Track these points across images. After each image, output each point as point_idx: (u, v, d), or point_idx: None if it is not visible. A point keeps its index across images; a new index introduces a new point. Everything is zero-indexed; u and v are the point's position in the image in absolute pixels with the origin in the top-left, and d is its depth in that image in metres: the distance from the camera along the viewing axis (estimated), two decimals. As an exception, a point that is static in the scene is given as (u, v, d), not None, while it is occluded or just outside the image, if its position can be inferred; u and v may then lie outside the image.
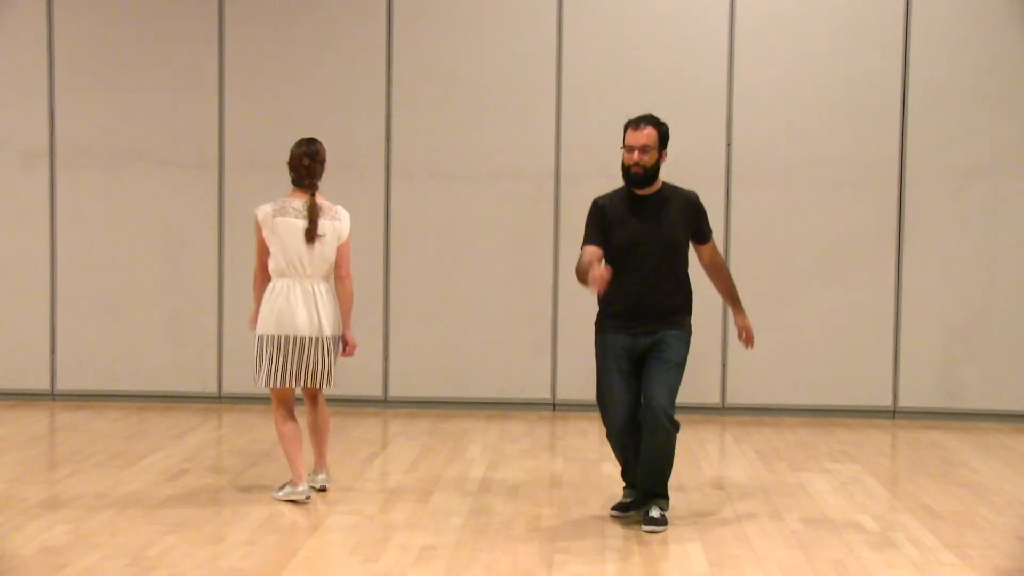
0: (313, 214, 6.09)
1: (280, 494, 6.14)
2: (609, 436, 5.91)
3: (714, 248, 5.98)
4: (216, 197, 8.96)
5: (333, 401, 8.80)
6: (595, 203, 5.85)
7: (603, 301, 5.84)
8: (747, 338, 6.03)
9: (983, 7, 8.66)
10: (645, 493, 5.79)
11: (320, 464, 6.42)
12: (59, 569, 4.95)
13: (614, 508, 5.99)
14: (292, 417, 6.22)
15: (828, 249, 8.78)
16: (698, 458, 7.33)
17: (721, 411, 8.81)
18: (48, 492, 6.28)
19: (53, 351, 9.10)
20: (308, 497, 6.08)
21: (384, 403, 9.01)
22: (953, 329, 8.76)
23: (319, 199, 6.17)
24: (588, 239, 5.78)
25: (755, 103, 8.75)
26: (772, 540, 5.53)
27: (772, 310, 8.80)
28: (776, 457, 7.42)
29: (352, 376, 8.91)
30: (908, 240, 8.73)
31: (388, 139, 8.92)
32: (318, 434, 6.39)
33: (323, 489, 6.33)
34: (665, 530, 5.68)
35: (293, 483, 6.11)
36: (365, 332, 8.90)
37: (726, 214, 8.71)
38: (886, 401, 8.79)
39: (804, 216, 8.77)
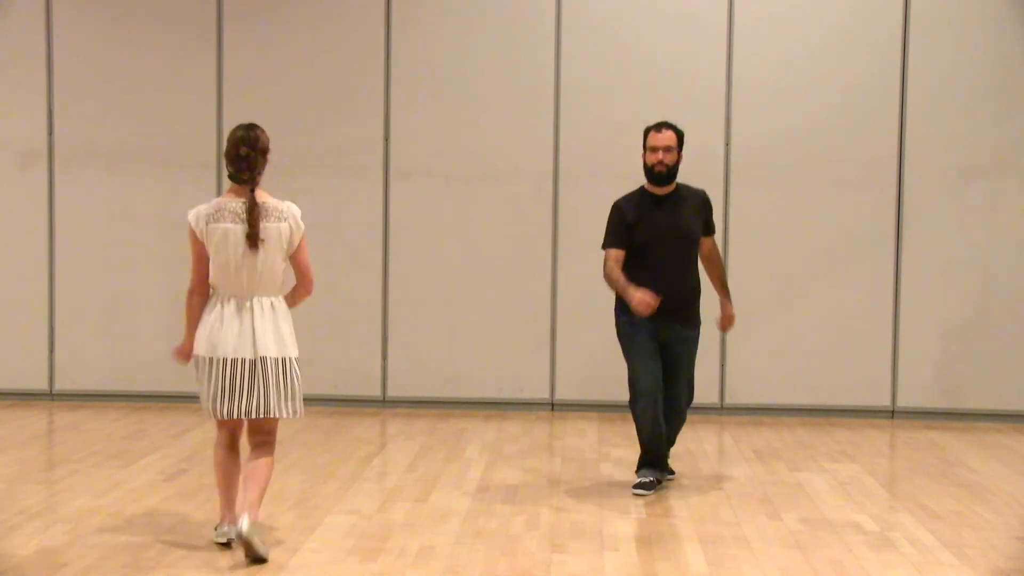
0: (254, 216, 5.10)
1: (214, 534, 5.34)
2: (639, 401, 6.33)
3: (714, 242, 6.61)
4: (214, 197, 8.92)
5: (332, 401, 8.83)
6: (615, 204, 6.44)
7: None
8: (727, 324, 6.65)
9: (982, 7, 8.66)
10: (655, 463, 6.52)
11: (249, 504, 5.05)
12: (58, 569, 4.95)
13: (636, 487, 6.39)
14: (234, 450, 5.28)
15: (826, 249, 8.78)
16: (697, 458, 7.33)
17: (720, 411, 8.81)
18: (47, 492, 6.28)
19: (52, 351, 9.09)
20: (228, 541, 5.18)
21: (382, 403, 9.00)
22: (951, 329, 8.76)
23: (261, 196, 5.19)
24: (611, 240, 6.35)
25: (753, 103, 8.76)
26: (770, 540, 5.53)
27: (770, 310, 8.81)
28: (775, 457, 7.42)
29: (351, 376, 8.92)
30: (906, 240, 8.73)
31: (387, 139, 8.91)
32: (251, 473, 5.16)
33: (251, 549, 4.97)
34: (674, 478, 6.64)
35: (219, 523, 5.30)
36: (363, 332, 8.93)
37: (724, 214, 8.70)
38: (884, 401, 8.80)
39: (802, 216, 8.77)
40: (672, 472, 6.67)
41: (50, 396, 9.09)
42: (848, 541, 5.53)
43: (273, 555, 5.18)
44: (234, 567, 5.02)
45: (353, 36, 8.91)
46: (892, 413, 8.80)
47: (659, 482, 6.43)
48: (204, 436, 7.86)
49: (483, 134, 8.88)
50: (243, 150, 5.23)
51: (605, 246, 6.37)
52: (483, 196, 8.89)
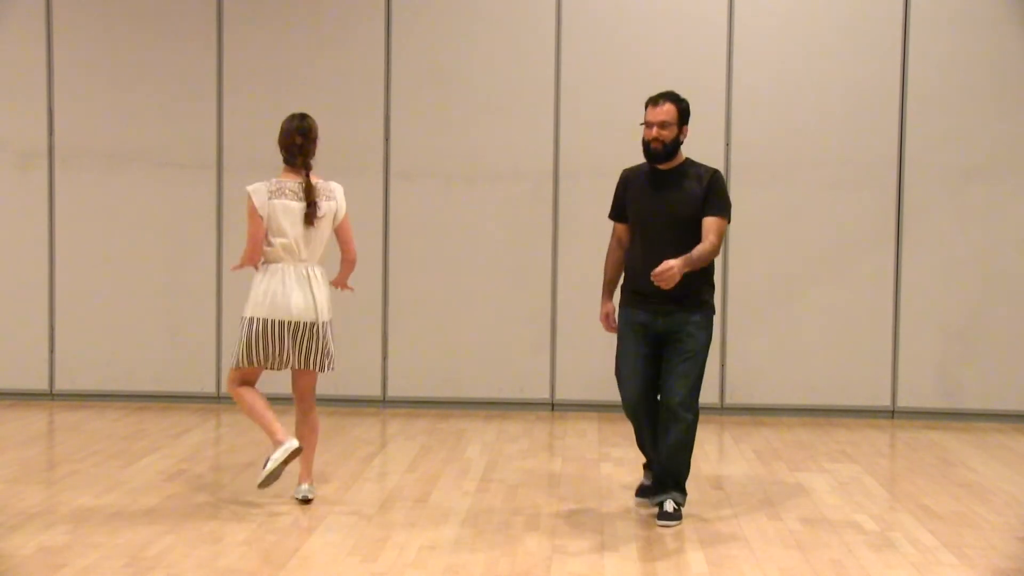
0: (311, 196, 5.87)
1: (268, 467, 5.77)
2: (624, 409, 6.01)
3: (715, 229, 5.70)
4: (215, 197, 8.95)
5: (332, 401, 8.83)
6: (621, 174, 6.09)
7: (625, 274, 6.04)
8: (659, 271, 5.47)
9: (982, 7, 8.66)
10: (660, 484, 5.89)
11: (305, 475, 6.09)
12: (57, 569, 4.95)
13: (637, 494, 6.22)
14: (253, 387, 6.01)
15: (826, 249, 8.78)
16: (696, 458, 7.30)
17: (720, 411, 8.81)
18: (47, 492, 6.28)
19: (52, 351, 9.09)
20: (299, 448, 5.79)
21: (383, 403, 9.00)
22: (952, 329, 8.76)
23: (313, 178, 5.95)
24: (612, 212, 6.12)
25: (754, 103, 8.76)
26: (770, 540, 5.53)
27: (770, 310, 8.81)
28: (775, 457, 7.42)
29: (351, 376, 8.92)
30: (907, 240, 8.73)
31: (387, 139, 8.92)
32: (306, 445, 6.06)
33: (306, 501, 6.00)
34: (678, 524, 5.78)
35: (277, 443, 5.79)
36: (364, 332, 8.92)
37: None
38: (885, 401, 8.80)
39: (802, 216, 8.78)
40: (677, 518, 5.80)
41: (50, 396, 9.09)
42: (848, 541, 5.53)
43: (273, 556, 5.19)
44: (233, 567, 5.03)
45: (353, 36, 8.91)
46: (892, 413, 8.80)
47: (651, 490, 6.06)
48: (204, 436, 7.86)
49: (483, 134, 8.88)
50: (298, 139, 5.90)
51: (609, 216, 6.11)
52: (483, 196, 8.89)
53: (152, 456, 7.19)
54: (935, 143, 8.69)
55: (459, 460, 7.19)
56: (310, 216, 5.86)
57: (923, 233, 8.73)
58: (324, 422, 8.28)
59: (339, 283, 6.26)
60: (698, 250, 5.63)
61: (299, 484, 6.09)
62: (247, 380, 6.02)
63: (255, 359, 5.89)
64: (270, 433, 5.88)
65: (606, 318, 6.09)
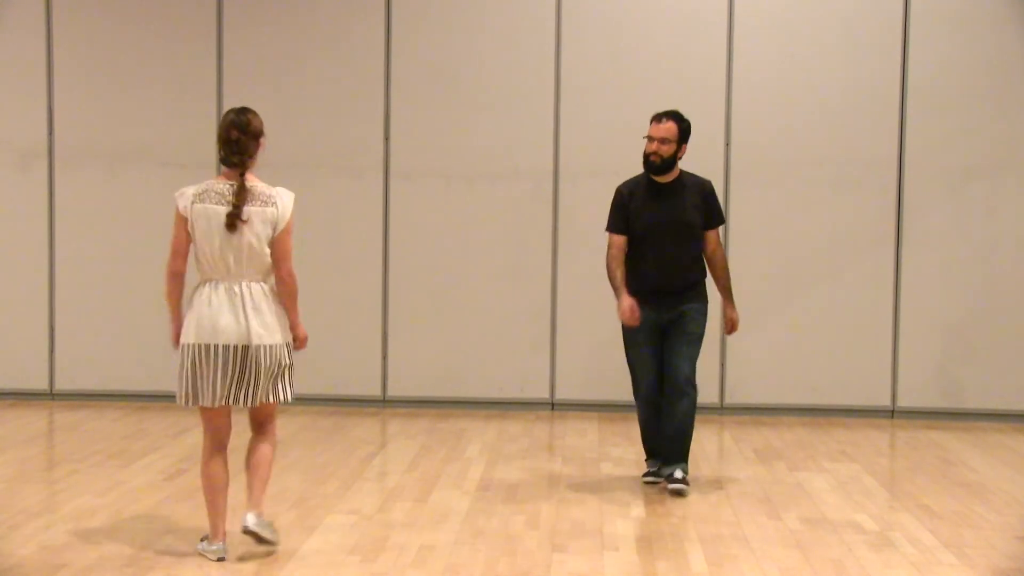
0: (239, 199, 5.01)
1: (200, 546, 5.20)
2: (638, 396, 6.56)
3: (717, 239, 6.54)
4: (215, 197, 8.94)
5: (332, 401, 8.83)
6: (618, 190, 6.52)
7: (629, 279, 6.43)
8: (730, 329, 6.61)
9: (982, 7, 8.66)
10: (668, 457, 6.44)
11: (253, 501, 5.18)
12: (58, 569, 4.95)
13: (645, 475, 6.62)
14: (222, 456, 5.18)
15: (826, 249, 8.78)
16: (697, 458, 7.33)
17: (720, 411, 8.81)
18: (47, 492, 6.28)
19: (52, 351, 9.09)
20: (222, 559, 5.07)
21: (383, 403, 9.00)
22: (952, 329, 8.76)
23: (251, 180, 5.10)
24: (611, 225, 6.49)
25: (754, 103, 8.76)
26: (770, 540, 5.53)
27: (771, 310, 8.81)
28: (775, 457, 7.42)
29: (351, 376, 8.93)
30: (907, 240, 8.73)
31: (387, 139, 8.92)
32: (252, 469, 5.23)
33: (260, 539, 5.12)
34: (688, 489, 6.31)
35: (209, 539, 5.16)
36: (364, 332, 8.93)
37: (725, 214, 8.67)
38: (885, 401, 8.80)
39: (802, 216, 8.78)
40: (686, 483, 6.33)
41: (50, 396, 9.09)
42: (848, 541, 5.53)
43: (273, 555, 5.19)
44: (233, 567, 5.02)
45: (353, 36, 8.91)
46: (892, 413, 8.80)
47: (661, 470, 6.52)
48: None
49: (483, 134, 8.88)
50: (234, 134, 5.11)
51: (607, 229, 6.52)
52: (483, 196, 8.89)
53: (152, 456, 7.19)
54: (935, 143, 8.69)
55: (459, 460, 7.19)
56: (231, 219, 4.99)
57: (923, 233, 8.73)
58: (324, 422, 8.30)
59: (292, 327, 5.20)
60: (723, 276, 6.54)
61: (246, 513, 5.17)
62: (214, 430, 5.17)
63: (187, 396, 5.05)
64: (209, 521, 5.17)
65: (631, 309, 6.34)
